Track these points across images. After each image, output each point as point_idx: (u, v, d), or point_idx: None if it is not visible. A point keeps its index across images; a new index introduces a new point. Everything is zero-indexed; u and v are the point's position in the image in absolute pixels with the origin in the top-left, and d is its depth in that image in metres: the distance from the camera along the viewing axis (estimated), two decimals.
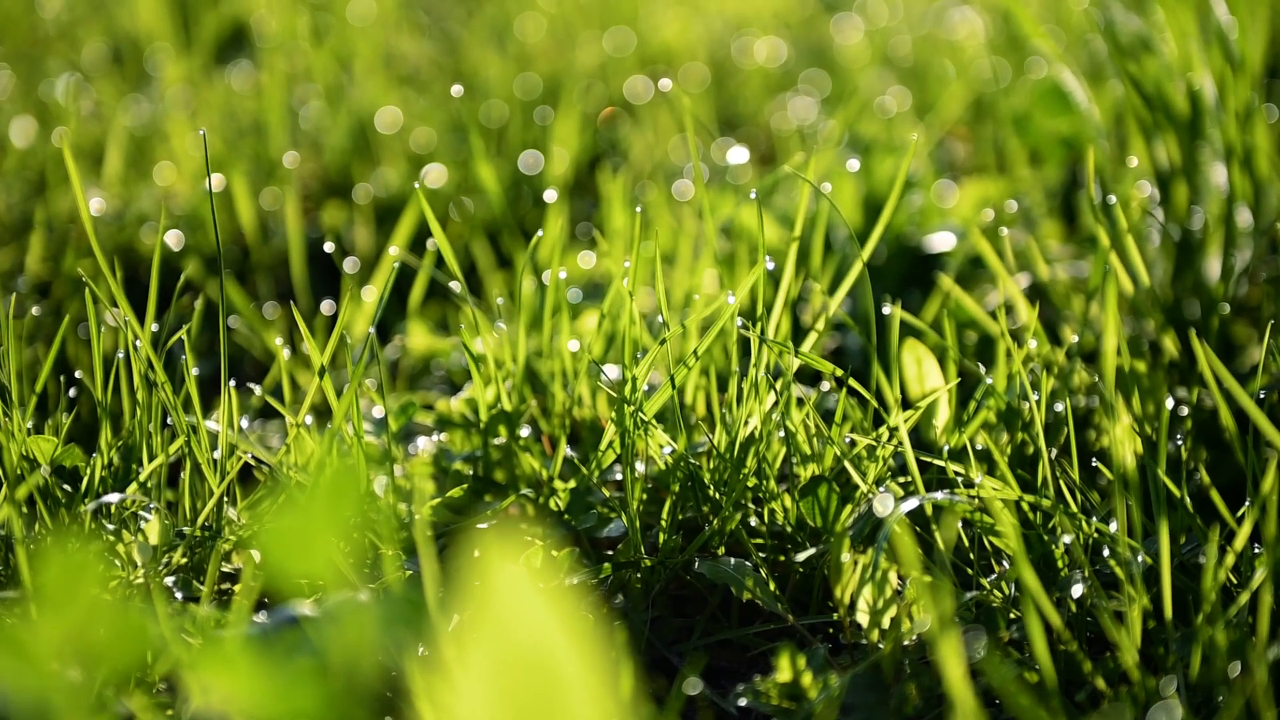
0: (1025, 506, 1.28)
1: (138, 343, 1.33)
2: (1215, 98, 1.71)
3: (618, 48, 2.88)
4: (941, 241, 1.88)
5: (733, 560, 1.29)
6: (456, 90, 1.69)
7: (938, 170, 2.03)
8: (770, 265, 1.43)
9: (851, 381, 1.35)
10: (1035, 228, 1.96)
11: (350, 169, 2.42)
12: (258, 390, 1.47)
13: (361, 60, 2.78)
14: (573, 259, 1.94)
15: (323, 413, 1.74)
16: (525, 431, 1.44)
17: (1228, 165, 1.66)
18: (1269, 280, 1.74)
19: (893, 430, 1.32)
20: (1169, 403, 1.24)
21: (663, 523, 1.32)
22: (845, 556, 1.23)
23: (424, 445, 1.51)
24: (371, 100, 2.55)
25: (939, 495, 1.24)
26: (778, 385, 1.34)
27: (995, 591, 1.23)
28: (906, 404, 1.47)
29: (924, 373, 1.46)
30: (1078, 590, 1.19)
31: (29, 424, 1.36)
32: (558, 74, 2.77)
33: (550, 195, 1.76)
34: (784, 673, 1.15)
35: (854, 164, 1.90)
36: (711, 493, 1.34)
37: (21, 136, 2.40)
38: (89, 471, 1.32)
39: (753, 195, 1.42)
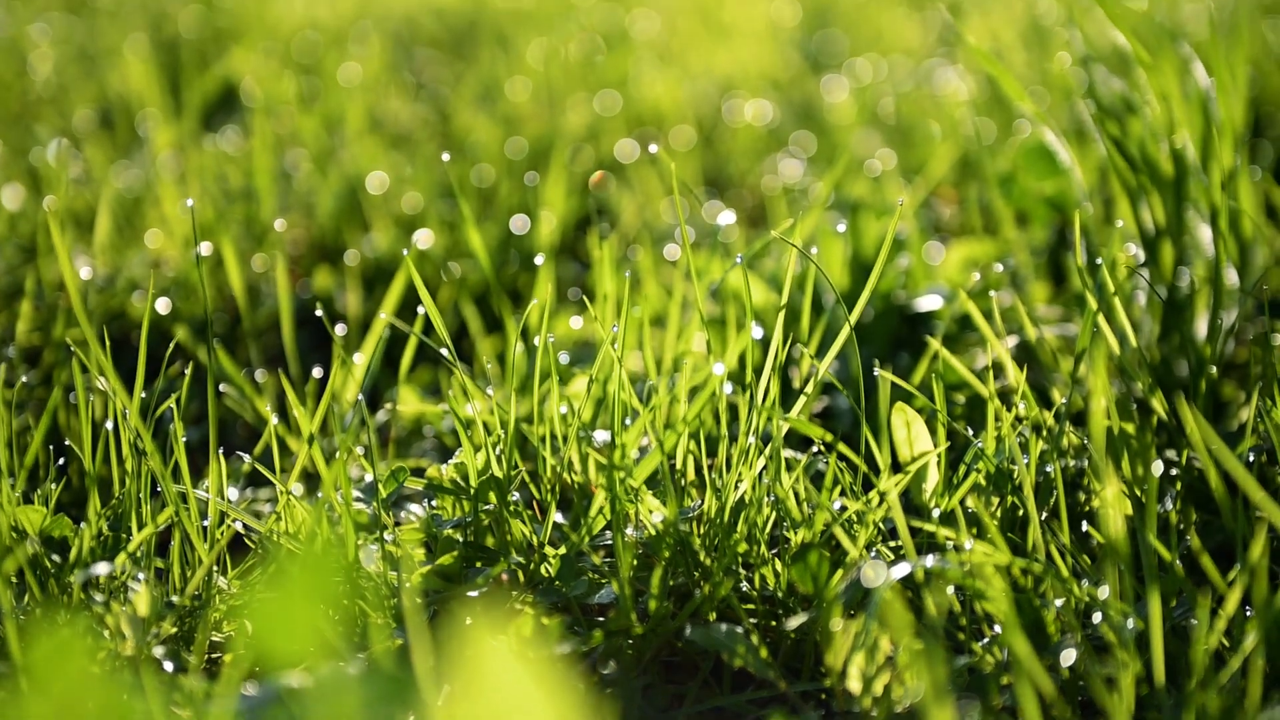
0: (1016, 571, 1.28)
1: (126, 412, 1.33)
2: (1199, 159, 1.72)
3: (606, 109, 2.90)
4: (929, 302, 1.89)
5: (724, 626, 1.29)
6: (445, 157, 1.70)
7: (924, 231, 2.04)
8: (759, 334, 1.43)
9: (841, 446, 1.35)
10: (1023, 288, 1.97)
11: (340, 232, 2.42)
12: (247, 459, 1.47)
13: (351, 122, 2.79)
14: (563, 321, 1.94)
15: (313, 477, 1.74)
16: (515, 496, 1.44)
17: (1213, 226, 1.67)
18: (1256, 339, 1.75)
19: (883, 495, 1.32)
20: (1158, 467, 1.24)
21: (654, 589, 1.32)
22: (837, 623, 1.23)
23: (414, 511, 1.51)
24: (361, 163, 2.56)
25: (929, 561, 1.24)
26: (767, 450, 1.34)
27: (987, 657, 1.23)
28: (897, 467, 1.48)
29: (914, 436, 1.46)
30: (1069, 656, 1.19)
31: (19, 493, 1.36)
32: (546, 136, 2.78)
33: (539, 260, 1.76)
34: None
35: (842, 226, 1.90)
36: (702, 559, 1.34)
37: (12, 200, 2.41)
38: (78, 542, 1.32)
39: (739, 260, 1.43)
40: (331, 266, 2.33)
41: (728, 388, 1.35)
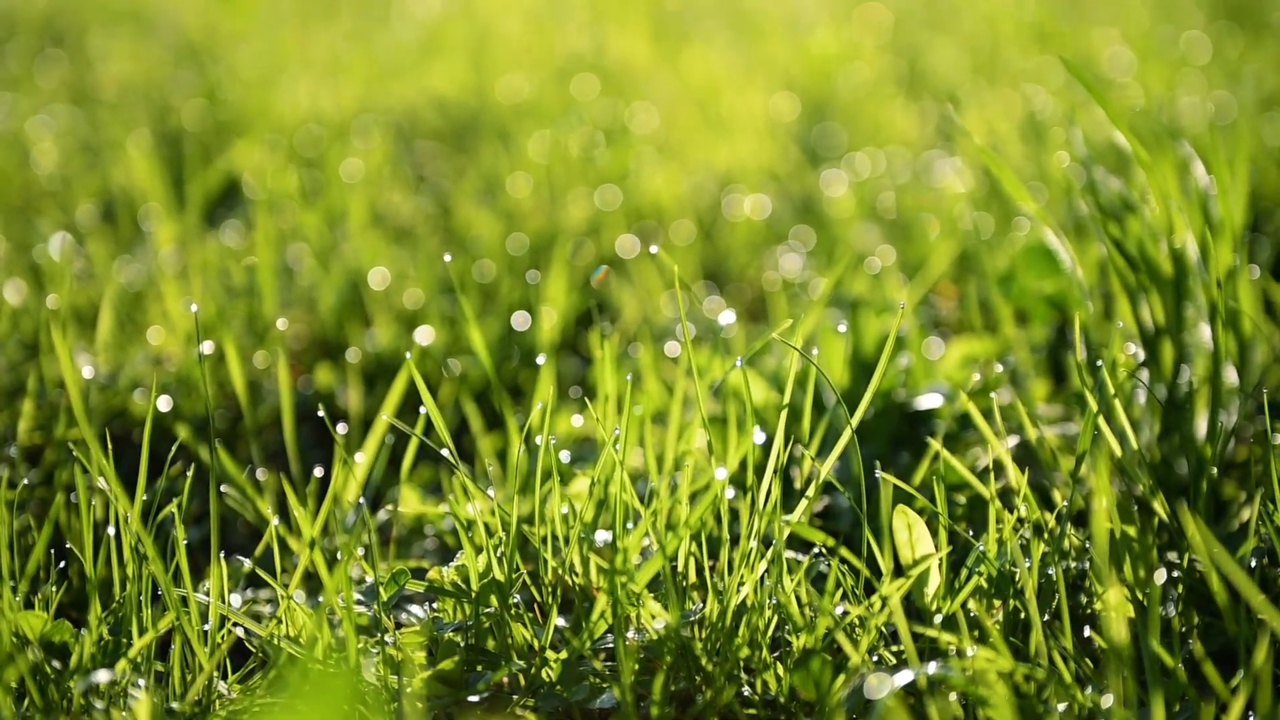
0: (1019, 677, 1.28)
1: (127, 516, 1.33)
2: (1198, 258, 1.73)
3: (606, 203, 2.91)
4: (929, 401, 1.89)
5: None
6: (447, 258, 1.71)
7: (924, 327, 2.05)
8: (760, 438, 1.43)
9: (843, 551, 1.35)
10: (1022, 386, 1.97)
11: (342, 327, 2.43)
12: (248, 563, 1.47)
13: (353, 217, 2.80)
14: (564, 419, 1.94)
15: (314, 577, 1.74)
16: (517, 599, 1.44)
17: (1212, 325, 1.67)
18: (1256, 438, 1.75)
19: (885, 600, 1.32)
20: (1160, 575, 1.24)
21: (655, 695, 1.32)
22: None
23: (416, 613, 1.51)
24: (363, 258, 2.57)
25: (932, 668, 1.23)
26: (769, 554, 1.34)
27: None
28: (898, 569, 1.47)
29: (915, 538, 1.46)
30: None
31: (20, 598, 1.36)
32: (547, 231, 2.80)
33: (540, 359, 1.77)
34: None
35: (842, 326, 1.91)
36: (704, 663, 1.34)
37: (14, 296, 2.42)
38: (78, 648, 1.32)
39: (739, 363, 1.44)
40: (333, 363, 2.34)
41: (729, 491, 1.35)
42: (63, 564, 1.54)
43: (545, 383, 1.75)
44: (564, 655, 1.39)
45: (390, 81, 3.99)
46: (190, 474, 1.42)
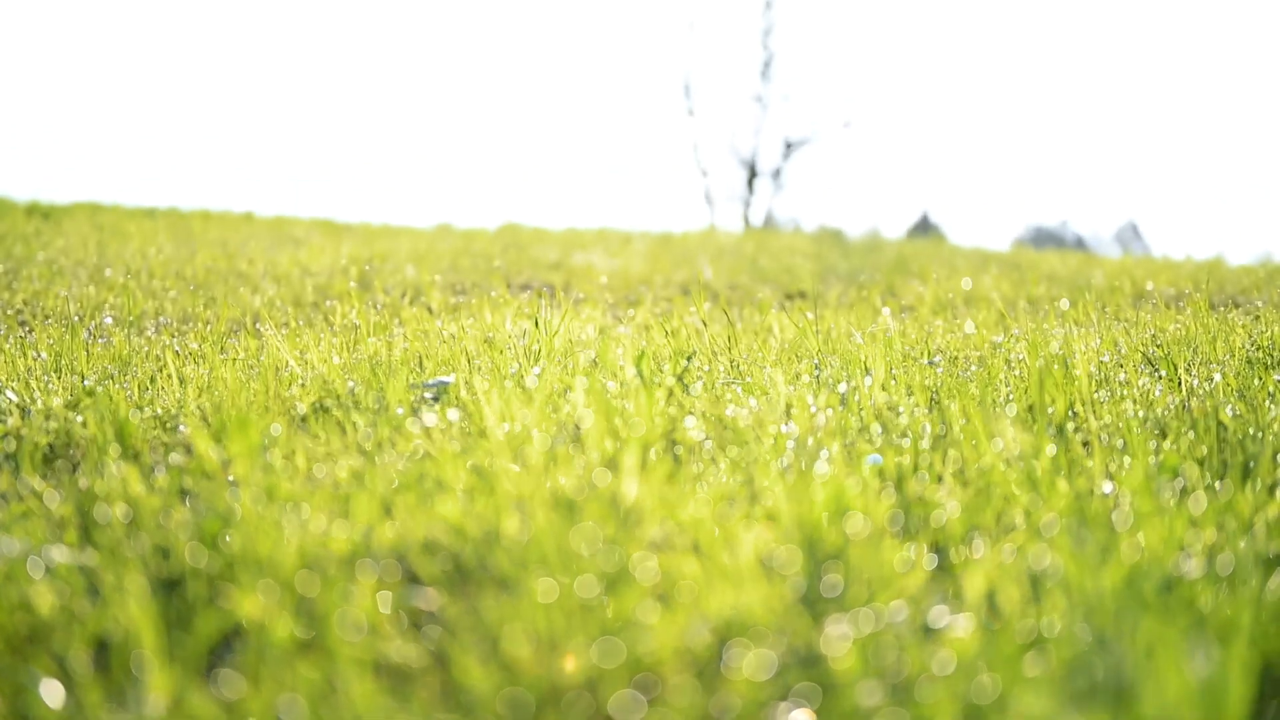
0: None
1: None
2: None
3: (605, 656, 2.89)
4: None
5: None
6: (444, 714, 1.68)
7: None
8: None
9: None
10: None
11: None
12: None
13: (349, 666, 2.77)
14: None
15: None
16: None
17: None
18: None
19: None
20: None
21: None
22: None
23: None
24: (359, 707, 2.53)
25: None
26: None
27: None
28: None
29: None
30: None
31: None
32: (545, 682, 2.76)
33: None
34: None
35: None
36: None
37: None
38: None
39: None
40: None
41: None
42: None
43: None
44: None
45: (391, 517, 4.00)
46: None
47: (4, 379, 6.30)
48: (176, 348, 7.64)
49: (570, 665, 2.84)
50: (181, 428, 5.19)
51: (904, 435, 4.80)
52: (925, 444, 4.62)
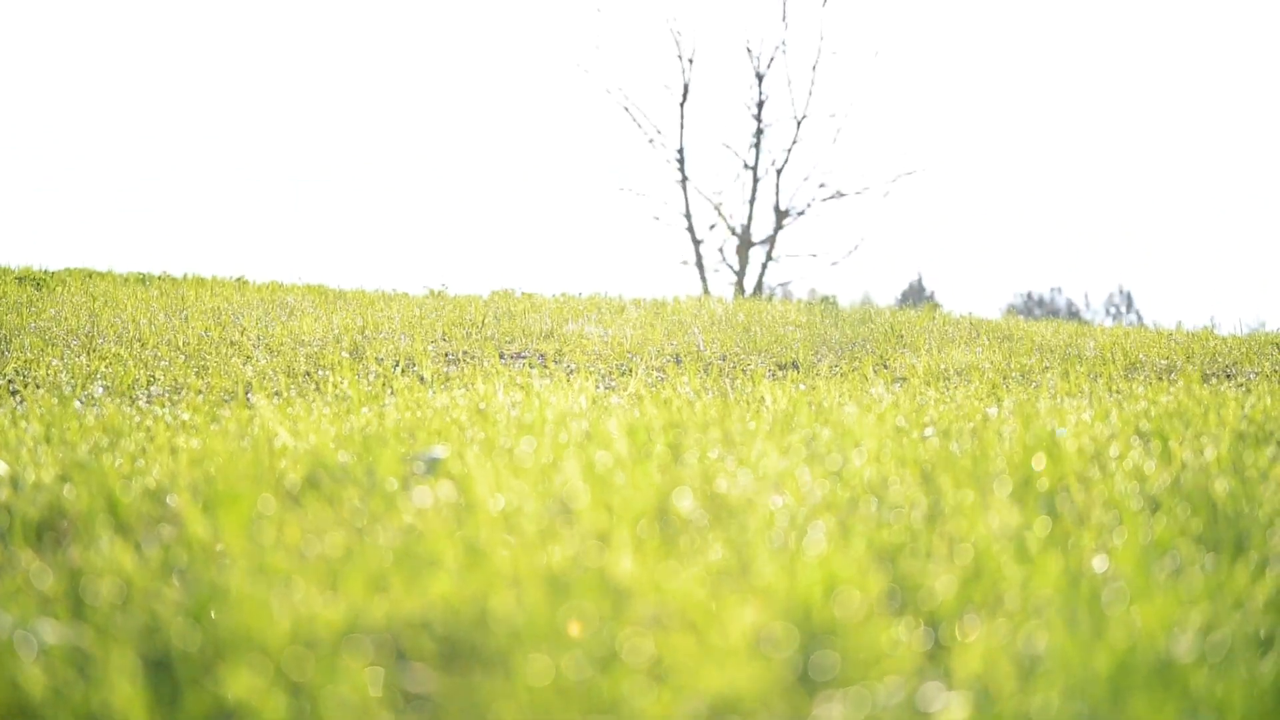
0: None
1: None
2: None
3: None
4: None
5: None
6: None
7: None
8: None
9: None
10: None
11: None
12: None
13: None
14: None
15: None
16: None
17: None
18: None
19: None
20: None
21: None
22: None
23: None
24: None
25: None
26: None
27: None
28: None
29: None
30: None
31: None
32: None
33: None
34: None
35: None
36: None
37: None
38: None
39: None
40: None
41: None
42: None
43: None
44: None
45: (383, 593, 3.99)
46: None
47: None
48: (168, 418, 7.63)
49: None
50: (171, 500, 5.18)
51: (896, 509, 4.79)
52: (918, 516, 4.61)
